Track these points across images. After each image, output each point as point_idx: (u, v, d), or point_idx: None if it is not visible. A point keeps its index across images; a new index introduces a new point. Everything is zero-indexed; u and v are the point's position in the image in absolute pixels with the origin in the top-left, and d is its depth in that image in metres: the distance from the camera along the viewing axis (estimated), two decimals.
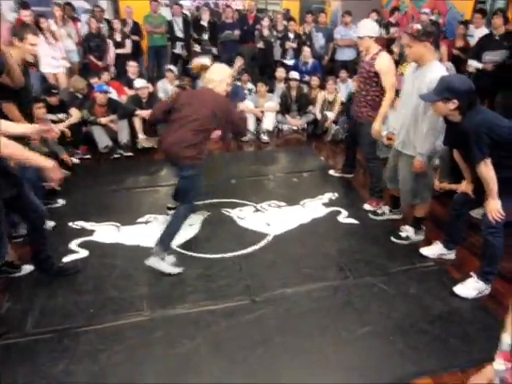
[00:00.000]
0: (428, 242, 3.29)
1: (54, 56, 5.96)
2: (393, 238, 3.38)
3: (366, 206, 3.89)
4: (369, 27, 3.58)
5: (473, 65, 5.24)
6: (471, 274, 2.78)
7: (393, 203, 3.68)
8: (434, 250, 3.15)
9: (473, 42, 5.92)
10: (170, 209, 3.68)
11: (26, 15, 5.56)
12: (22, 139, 2.97)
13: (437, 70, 2.85)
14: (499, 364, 1.48)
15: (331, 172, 4.63)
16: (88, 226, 3.58)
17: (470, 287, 2.74)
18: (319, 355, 2.31)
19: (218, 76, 3.07)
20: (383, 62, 3.47)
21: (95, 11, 7.06)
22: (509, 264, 2.99)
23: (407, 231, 3.37)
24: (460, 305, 2.69)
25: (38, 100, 4.46)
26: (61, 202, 3.96)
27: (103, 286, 2.86)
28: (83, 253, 3.21)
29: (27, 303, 2.68)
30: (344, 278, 2.94)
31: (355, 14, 7.16)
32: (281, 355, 2.31)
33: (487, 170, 2.43)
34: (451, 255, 3.12)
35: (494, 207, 2.50)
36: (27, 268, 2.95)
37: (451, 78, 2.63)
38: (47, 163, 2.25)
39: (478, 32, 5.90)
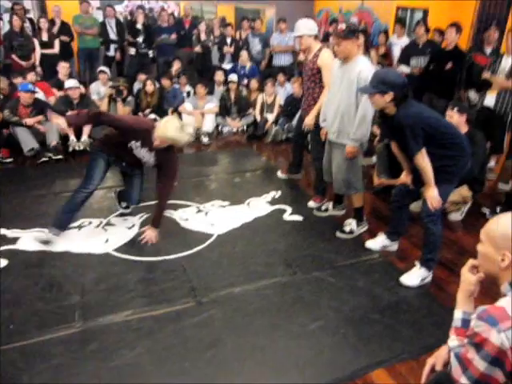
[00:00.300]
0: (372, 235, 3.27)
1: None
2: (338, 233, 3.33)
3: (311, 204, 3.82)
4: (307, 26, 3.53)
5: (402, 69, 5.48)
6: (415, 262, 2.78)
7: (336, 199, 3.65)
8: (378, 243, 3.13)
9: (395, 49, 6.24)
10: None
11: None
12: None
13: (363, 61, 2.98)
14: (452, 340, 1.42)
15: (279, 174, 4.47)
16: (10, 233, 3.15)
17: (414, 276, 2.74)
18: (272, 353, 2.14)
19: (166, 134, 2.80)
20: (325, 58, 3.44)
21: (16, 9, 6.45)
22: (447, 253, 3.08)
23: (350, 224, 3.34)
24: (406, 293, 2.66)
25: None
26: None
27: (26, 297, 2.49)
28: (2, 262, 2.80)
29: None
30: (292, 274, 2.81)
31: (289, 22, 7.25)
32: (232, 356, 2.11)
33: (423, 161, 2.47)
34: (394, 246, 3.13)
35: (433, 195, 2.53)
36: None
37: (386, 71, 2.77)
38: None
39: (400, 41, 6.26)
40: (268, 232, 3.37)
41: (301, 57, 6.60)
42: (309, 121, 3.62)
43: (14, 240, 3.07)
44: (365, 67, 2.91)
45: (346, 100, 3.00)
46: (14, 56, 5.99)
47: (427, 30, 5.66)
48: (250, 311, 2.44)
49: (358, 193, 3.28)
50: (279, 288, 2.66)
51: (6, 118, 4.62)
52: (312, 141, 3.89)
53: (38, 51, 6.21)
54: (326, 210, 3.70)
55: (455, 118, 3.36)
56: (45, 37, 6.41)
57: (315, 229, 3.44)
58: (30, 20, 6.78)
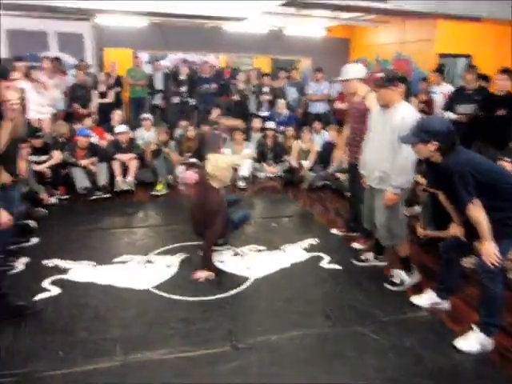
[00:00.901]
0: (417, 290, 3.01)
1: (40, 103, 5.85)
2: (387, 285, 3.10)
3: (355, 245, 3.73)
4: (355, 70, 3.57)
5: (448, 116, 5.35)
6: (472, 325, 2.47)
7: (377, 249, 3.45)
8: (426, 299, 2.85)
9: (436, 97, 6.17)
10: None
11: (20, 66, 5.52)
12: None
13: (406, 108, 2.89)
14: None
15: (334, 231, 4.13)
16: (63, 263, 3.26)
17: (472, 341, 2.39)
18: None
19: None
20: (373, 101, 3.35)
21: (80, 65, 7.09)
22: (510, 317, 2.68)
23: (399, 275, 3.11)
24: (461, 358, 2.36)
25: (24, 141, 4.25)
26: (35, 240, 3.65)
27: (74, 326, 2.53)
28: (55, 291, 2.89)
29: None
30: (331, 326, 2.64)
31: (324, 73, 7.45)
32: None
33: (477, 212, 2.24)
34: (445, 305, 2.83)
35: (490, 250, 2.26)
36: None
37: (429, 119, 2.62)
38: None
39: (441, 88, 6.19)
40: (305, 279, 3.24)
41: (337, 104, 6.73)
42: None
43: (66, 270, 3.17)
44: (408, 114, 2.81)
45: (388, 146, 2.89)
46: (75, 105, 6.47)
47: (479, 76, 5.43)
48: (286, 362, 2.31)
49: (402, 241, 3.10)
50: (318, 340, 2.51)
51: (65, 159, 4.94)
52: (351, 180, 3.81)
53: (96, 101, 6.70)
54: (367, 260, 3.50)
55: (508, 169, 3.07)
56: (102, 88, 6.94)
57: (355, 279, 3.24)
58: (91, 74, 7.34)
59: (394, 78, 2.98)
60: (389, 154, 2.91)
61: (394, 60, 8.69)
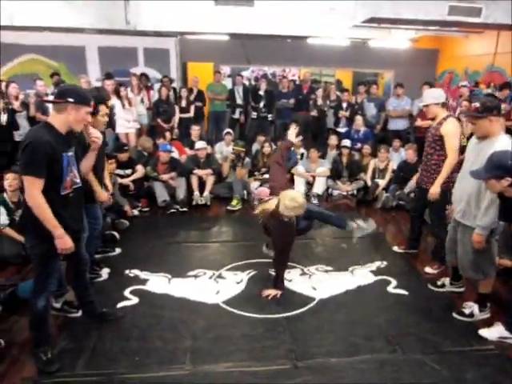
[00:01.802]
0: (487, 322, 3.03)
1: (127, 119, 6.60)
2: (455, 315, 3.15)
3: (428, 269, 3.80)
4: (433, 95, 3.65)
5: None
6: None
7: (454, 275, 3.48)
8: (495, 332, 2.87)
9: None
10: None
11: (109, 84, 6.29)
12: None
13: (503, 142, 2.76)
14: None
15: (395, 249, 4.33)
16: (142, 275, 3.72)
17: None
18: None
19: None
20: (448, 126, 3.46)
21: (164, 81, 7.81)
22: None
23: (471, 307, 3.13)
24: None
25: (111, 157, 4.90)
26: (118, 250, 4.18)
27: (149, 334, 2.91)
28: (134, 300, 3.33)
29: (79, 344, 2.78)
30: (392, 352, 2.77)
31: (407, 86, 7.36)
32: None
33: None
34: None
35: None
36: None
37: (502, 154, 2.51)
38: (58, 231, 2.33)
39: None
40: (370, 303, 3.38)
41: (418, 122, 6.61)
42: (433, 191, 3.57)
43: (144, 281, 3.62)
44: (502, 147, 2.66)
45: (477, 181, 2.81)
46: (158, 120, 7.17)
47: None
48: None
49: (487, 279, 3.07)
50: (377, 364, 2.65)
51: (148, 173, 5.54)
52: (431, 213, 3.85)
53: (177, 115, 7.35)
54: (443, 285, 3.55)
55: None
56: (183, 103, 7.59)
57: (421, 306, 3.33)
58: (174, 89, 8.05)
59: (493, 107, 2.82)
60: (475, 190, 2.88)
61: (485, 72, 8.27)
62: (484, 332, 2.91)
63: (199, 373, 2.57)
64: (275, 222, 3.28)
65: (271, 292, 3.40)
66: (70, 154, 2.40)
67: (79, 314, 3.07)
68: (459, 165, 3.37)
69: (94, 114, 2.94)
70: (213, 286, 3.59)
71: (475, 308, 3.11)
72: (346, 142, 6.23)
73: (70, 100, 2.30)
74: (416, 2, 5.44)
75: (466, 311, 3.13)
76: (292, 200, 3.05)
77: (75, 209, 2.53)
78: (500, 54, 7.92)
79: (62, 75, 7.54)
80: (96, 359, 2.66)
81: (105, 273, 3.71)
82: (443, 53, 9.82)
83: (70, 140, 2.42)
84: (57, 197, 2.34)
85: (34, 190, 2.23)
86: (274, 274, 3.55)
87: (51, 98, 2.38)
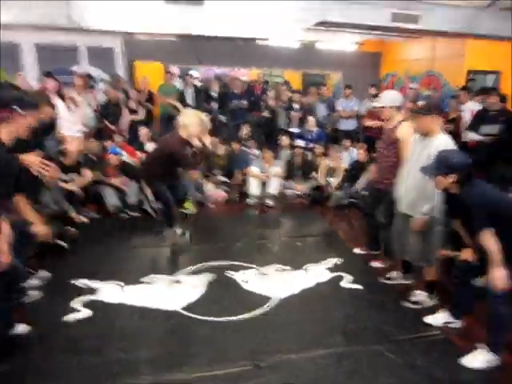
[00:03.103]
0: (433, 309, 3.25)
1: (72, 121, 6.30)
2: (403, 303, 3.38)
3: (374, 264, 4.03)
4: (390, 98, 3.77)
5: (472, 137, 5.49)
6: (478, 345, 2.73)
7: (404, 268, 3.71)
8: (439, 319, 3.11)
9: (466, 115, 6.26)
10: None
11: (51, 84, 5.96)
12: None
13: (444, 139, 3.07)
14: None
15: (356, 251, 4.38)
16: (92, 284, 3.58)
17: (479, 359, 2.67)
18: None
19: (184, 121, 4.04)
20: (404, 132, 3.58)
21: (114, 81, 7.52)
22: None
23: (419, 295, 3.38)
24: (468, 377, 2.61)
25: (51, 160, 4.65)
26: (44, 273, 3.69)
27: (104, 346, 2.82)
28: (86, 312, 3.19)
29: (22, 365, 2.62)
30: (350, 345, 2.89)
31: (354, 87, 7.67)
32: None
33: (489, 241, 2.51)
34: (457, 324, 3.08)
35: (499, 276, 2.52)
36: (22, 328, 2.89)
37: (450, 153, 2.75)
38: None
39: (468, 106, 6.30)
40: (327, 299, 3.49)
41: (367, 122, 6.91)
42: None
43: (95, 290, 3.49)
44: (444, 145, 2.98)
45: (420, 174, 3.03)
46: (106, 122, 6.92)
47: (502, 99, 5.66)
48: (306, 380, 2.55)
49: (430, 265, 3.33)
50: (335, 358, 2.75)
51: (97, 178, 5.34)
52: (385, 211, 3.95)
53: (127, 117, 7.11)
54: (394, 278, 3.75)
55: None
56: (133, 105, 7.36)
57: (375, 299, 3.49)
58: (124, 90, 7.80)
59: (435, 107, 3.14)
60: (420, 182, 3.10)
61: (424, 75, 8.83)
62: (430, 319, 3.14)
63: (160, 381, 2.53)
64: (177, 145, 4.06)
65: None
66: None
67: (18, 330, 2.84)
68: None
69: None
70: (170, 292, 3.53)
71: (422, 295, 3.38)
72: (300, 143, 6.38)
73: (16, 108, 2.19)
74: (362, 8, 5.72)
75: (413, 299, 3.38)
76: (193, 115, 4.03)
77: None
78: (437, 58, 8.49)
79: None
80: (45, 379, 2.52)
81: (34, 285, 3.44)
82: (385, 56, 10.33)
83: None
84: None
85: None
86: (230, 275, 3.57)
87: None
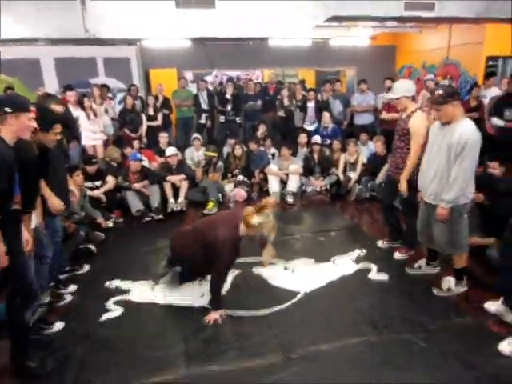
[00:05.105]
0: (465, 296, 3.24)
1: (93, 130, 6.51)
2: (434, 290, 3.35)
3: (397, 255, 3.96)
4: (404, 88, 3.74)
5: (496, 123, 5.41)
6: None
7: (430, 256, 3.68)
8: (497, 306, 3.00)
9: (486, 101, 6.20)
10: None
11: (71, 95, 6.17)
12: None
13: (466, 125, 3.00)
14: None
15: (379, 244, 4.32)
16: (123, 285, 3.68)
17: None
18: None
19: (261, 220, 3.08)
20: (416, 121, 3.59)
21: (131, 89, 7.73)
22: None
23: (449, 282, 3.34)
24: (507, 363, 2.56)
25: (77, 169, 4.82)
26: (86, 267, 4.02)
27: (138, 343, 2.90)
28: (118, 310, 3.30)
29: (65, 360, 2.73)
30: (379, 334, 2.88)
31: (369, 82, 7.64)
32: None
33: None
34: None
35: None
36: (59, 325, 3.05)
37: None
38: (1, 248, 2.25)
39: (490, 92, 6.25)
40: (354, 291, 3.49)
41: (383, 115, 6.87)
42: (403, 188, 3.69)
43: (127, 291, 3.59)
44: (467, 131, 2.94)
45: (445, 163, 3.07)
46: (125, 129, 7.11)
47: None
48: (337, 369, 2.57)
49: (461, 253, 3.28)
50: (366, 348, 2.75)
51: (120, 183, 5.48)
52: (401, 201, 3.99)
53: (145, 124, 7.30)
54: (419, 267, 3.72)
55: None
56: (151, 111, 7.54)
57: (402, 288, 3.48)
58: (141, 98, 7.99)
59: (453, 93, 3.07)
60: (445, 172, 3.08)
61: (441, 65, 8.72)
62: (490, 305, 3.04)
63: (195, 375, 2.59)
64: (225, 241, 3.11)
65: (213, 317, 3.13)
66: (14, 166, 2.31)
67: (55, 328, 3.02)
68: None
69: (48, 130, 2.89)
70: (197, 289, 3.58)
71: (452, 282, 3.33)
72: (317, 139, 6.39)
73: (8, 110, 2.22)
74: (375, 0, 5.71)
75: (444, 286, 3.34)
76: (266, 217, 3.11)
77: (18, 226, 2.42)
78: (453, 46, 8.38)
79: (17, 90, 7.33)
80: (85, 373, 2.62)
81: (70, 291, 3.57)
82: (400, 49, 10.26)
83: (13, 154, 2.34)
84: (4, 212, 2.24)
85: None
86: (257, 271, 3.60)
87: None
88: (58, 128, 2.92)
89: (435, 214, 3.21)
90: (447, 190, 3.05)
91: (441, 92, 3.05)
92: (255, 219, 3.06)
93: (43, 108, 3.00)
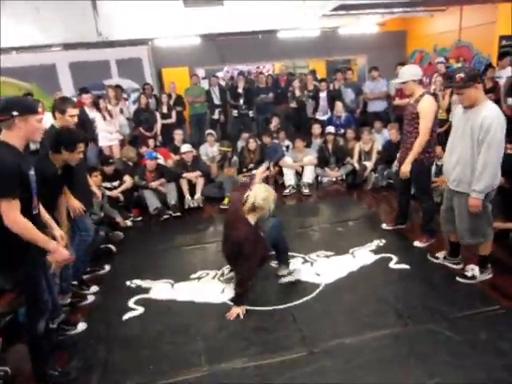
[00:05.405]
0: (489, 283, 3.10)
1: (109, 131, 6.50)
2: (458, 278, 3.22)
3: (417, 243, 3.84)
4: (410, 72, 3.66)
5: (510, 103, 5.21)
6: None
7: (451, 250, 3.50)
8: None
9: (501, 82, 5.95)
10: None
11: (87, 98, 6.16)
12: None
13: (490, 108, 2.84)
14: None
15: (384, 226, 4.34)
16: (144, 283, 3.65)
17: None
18: None
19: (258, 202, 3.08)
20: (424, 104, 3.50)
21: (146, 88, 7.70)
22: None
23: (473, 270, 3.20)
24: None
25: (94, 170, 4.81)
26: (107, 267, 4.00)
27: (160, 342, 2.87)
28: (140, 309, 3.27)
29: (89, 360, 2.72)
30: (404, 325, 2.78)
31: (381, 69, 7.41)
32: None
33: None
34: None
35: None
36: (82, 325, 3.04)
37: None
38: (51, 245, 2.27)
39: (505, 72, 6.02)
40: (375, 281, 3.38)
41: (396, 101, 6.67)
42: (404, 169, 3.66)
43: (147, 290, 3.56)
44: (491, 113, 2.79)
45: (468, 147, 2.91)
46: (140, 129, 7.08)
47: None
48: (362, 363, 2.48)
49: (486, 241, 3.13)
50: (391, 340, 2.65)
51: (137, 182, 5.46)
52: (416, 188, 3.90)
53: (159, 122, 7.25)
54: (442, 258, 3.57)
55: None
56: (164, 109, 7.50)
57: (424, 277, 3.35)
58: (155, 96, 7.96)
59: (476, 76, 2.89)
60: (469, 157, 2.92)
61: (453, 47, 8.43)
62: None
63: (217, 372, 2.53)
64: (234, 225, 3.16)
65: (235, 312, 3.07)
66: (32, 172, 2.27)
67: (78, 329, 3.01)
68: (441, 137, 3.42)
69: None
70: (217, 286, 3.54)
71: (476, 270, 3.20)
72: (330, 129, 6.24)
73: (15, 113, 2.16)
74: None
75: (469, 274, 3.21)
76: (265, 191, 3.15)
77: (41, 229, 2.36)
78: (464, 28, 8.07)
79: (36, 95, 7.36)
80: (109, 374, 2.60)
81: (92, 291, 3.55)
82: (411, 33, 9.96)
83: (28, 158, 2.31)
84: (29, 218, 2.20)
85: (13, 212, 2.10)
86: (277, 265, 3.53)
87: None
88: (81, 147, 2.92)
89: (458, 201, 3.06)
90: (477, 180, 2.85)
91: (462, 75, 2.86)
92: (258, 199, 3.07)
93: (67, 130, 3.03)
